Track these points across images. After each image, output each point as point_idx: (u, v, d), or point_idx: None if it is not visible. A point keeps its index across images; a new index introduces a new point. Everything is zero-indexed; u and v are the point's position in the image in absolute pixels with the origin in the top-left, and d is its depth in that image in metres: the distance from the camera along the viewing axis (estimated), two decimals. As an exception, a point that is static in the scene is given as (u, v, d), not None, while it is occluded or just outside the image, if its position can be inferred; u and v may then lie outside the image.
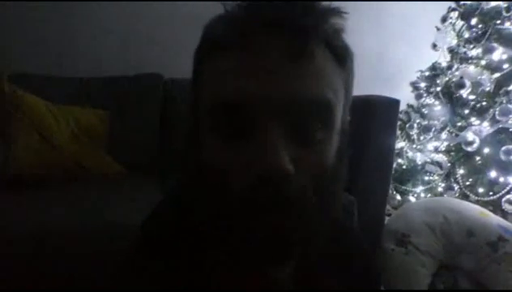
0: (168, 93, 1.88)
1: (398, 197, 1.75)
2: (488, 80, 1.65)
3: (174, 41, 2.12)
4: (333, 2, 0.42)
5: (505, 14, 1.69)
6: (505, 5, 1.68)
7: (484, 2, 1.78)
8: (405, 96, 2.07)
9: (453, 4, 1.98)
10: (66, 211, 1.14)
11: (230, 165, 0.38)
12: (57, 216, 1.10)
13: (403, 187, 1.75)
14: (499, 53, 1.66)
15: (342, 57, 0.42)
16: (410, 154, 1.84)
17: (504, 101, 1.56)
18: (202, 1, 1.49)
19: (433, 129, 1.76)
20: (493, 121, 1.58)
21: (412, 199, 1.73)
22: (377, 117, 1.40)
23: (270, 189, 0.36)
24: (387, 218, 1.55)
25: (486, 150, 1.59)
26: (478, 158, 1.63)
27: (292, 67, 0.38)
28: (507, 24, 1.68)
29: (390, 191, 1.75)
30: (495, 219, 1.38)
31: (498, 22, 1.71)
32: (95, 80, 1.75)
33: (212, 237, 0.41)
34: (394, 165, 1.83)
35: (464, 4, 1.92)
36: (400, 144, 1.90)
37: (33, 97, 1.44)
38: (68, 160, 1.39)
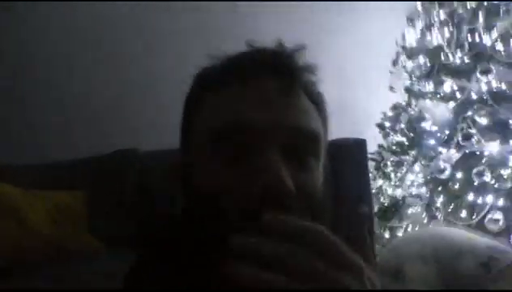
0: (145, 167, 1.89)
1: (387, 235, 1.75)
2: (446, 110, 1.75)
3: (147, 113, 2.17)
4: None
5: (446, 50, 1.85)
6: (446, 43, 1.84)
7: (427, 42, 1.95)
8: (374, 138, 2.16)
9: (400, 48, 2.16)
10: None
11: (232, 187, 0.41)
12: None
13: (388, 224, 1.77)
14: (449, 85, 1.78)
15: (319, 103, 0.49)
16: (390, 191, 1.88)
17: (464, 127, 1.65)
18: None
19: (405, 163, 1.82)
20: (459, 147, 1.66)
21: (400, 234, 1.74)
22: (347, 158, 1.45)
23: (274, 205, 0.37)
24: (378, 257, 1.55)
25: (459, 175, 1.65)
26: (452, 184, 1.68)
27: (285, 101, 0.44)
28: (451, 58, 1.83)
29: (377, 231, 1.75)
30: (483, 240, 1.40)
31: (442, 58, 1.86)
32: (68, 162, 1.76)
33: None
34: (377, 205, 1.86)
35: (410, 47, 2.09)
36: (379, 183, 1.94)
37: (5, 186, 1.43)
38: (47, 244, 1.36)
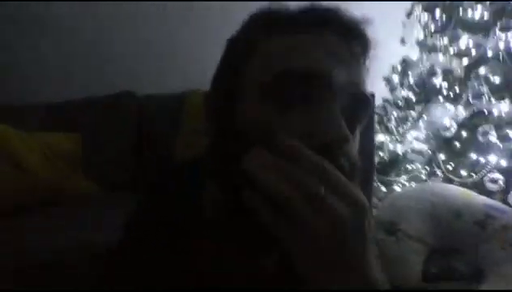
0: (144, 110, 1.85)
1: (384, 188, 1.75)
2: (458, 67, 1.69)
3: (143, 56, 2.11)
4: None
5: (466, 4, 1.75)
6: (466, -6, 1.74)
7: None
8: (380, 91, 2.11)
9: (416, -1, 2.05)
10: (43, 237, 1.09)
11: (284, 130, 0.40)
12: (35, 244, 1.04)
13: (386, 178, 1.76)
14: (465, 41, 1.71)
15: (367, 59, 0.48)
16: (391, 146, 1.86)
17: (475, 85, 1.60)
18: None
19: (410, 118, 1.79)
20: (467, 105, 1.62)
21: (397, 188, 1.74)
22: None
23: (331, 152, 0.39)
24: (374, 210, 1.55)
25: (464, 134, 1.62)
26: (456, 143, 1.66)
27: (352, 61, 0.44)
28: (469, 12, 1.74)
29: (375, 184, 1.75)
30: (480, 198, 1.40)
31: (461, 10, 1.76)
32: (65, 104, 1.72)
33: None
34: (377, 159, 1.85)
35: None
36: (380, 138, 1.92)
37: (2, 127, 1.39)
38: (43, 185, 1.34)
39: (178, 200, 0.51)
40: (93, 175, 1.54)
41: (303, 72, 0.41)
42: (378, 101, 2.03)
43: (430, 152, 1.69)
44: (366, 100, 0.45)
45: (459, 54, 1.72)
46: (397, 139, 1.86)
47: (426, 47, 1.92)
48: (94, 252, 0.81)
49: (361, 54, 0.46)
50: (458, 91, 1.67)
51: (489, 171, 1.49)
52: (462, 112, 1.64)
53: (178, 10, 2.12)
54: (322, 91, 0.41)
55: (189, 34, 2.12)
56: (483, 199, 1.39)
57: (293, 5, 0.49)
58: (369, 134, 1.44)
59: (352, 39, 0.45)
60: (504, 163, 1.49)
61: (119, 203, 1.43)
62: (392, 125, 1.92)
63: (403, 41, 2.09)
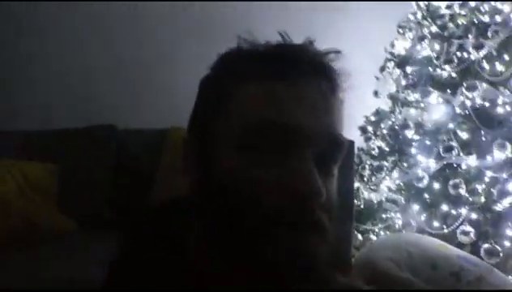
0: (123, 144, 1.82)
1: (360, 237, 1.77)
2: (428, 121, 1.79)
3: (125, 90, 2.09)
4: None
5: (435, 62, 1.88)
6: (435, 54, 1.88)
7: (416, 52, 1.98)
8: (354, 140, 2.18)
9: (388, 55, 2.18)
10: (14, 274, 1.02)
11: (261, 184, 0.40)
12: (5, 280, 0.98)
13: (362, 227, 1.78)
14: (435, 97, 1.82)
15: (342, 106, 0.49)
16: (365, 194, 1.90)
17: (445, 139, 1.69)
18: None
19: (385, 168, 1.85)
20: (438, 157, 1.70)
21: (373, 237, 1.76)
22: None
23: (305, 208, 0.40)
24: (352, 259, 1.56)
25: (436, 185, 1.68)
26: (426, 194, 1.72)
27: (325, 106, 0.44)
28: (438, 71, 1.86)
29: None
30: (454, 250, 1.44)
31: (430, 69, 1.89)
32: (43, 133, 1.66)
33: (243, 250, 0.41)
34: (352, 206, 1.88)
35: (398, 55, 2.12)
36: (355, 185, 1.96)
37: None
38: (15, 216, 1.26)
39: (165, 242, 0.50)
40: (69, 209, 1.47)
41: (278, 124, 0.41)
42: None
43: (404, 202, 1.74)
44: (340, 141, 0.45)
45: (429, 110, 1.82)
46: (371, 188, 1.90)
47: (398, 100, 2.03)
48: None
49: (334, 97, 0.47)
50: (429, 144, 1.75)
51: (461, 223, 1.54)
52: (433, 164, 1.71)
53: (163, 44, 2.15)
54: (296, 143, 0.41)
55: (174, 69, 2.14)
56: (457, 251, 1.43)
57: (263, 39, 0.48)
58: (349, 179, 1.47)
59: (325, 82, 0.45)
60: (474, 216, 1.55)
61: (96, 240, 1.37)
62: (366, 173, 1.97)
63: (376, 94, 2.20)
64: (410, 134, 1.81)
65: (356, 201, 1.94)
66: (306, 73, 0.44)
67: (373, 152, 2.02)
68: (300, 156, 0.41)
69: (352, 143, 1.47)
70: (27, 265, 1.07)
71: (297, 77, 0.44)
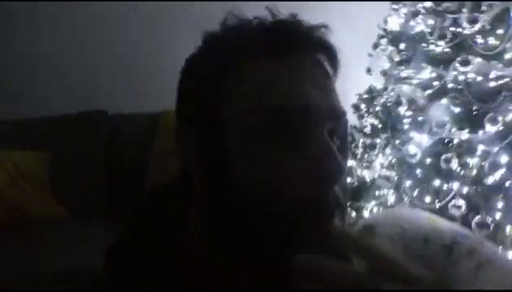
0: (115, 129, 1.80)
1: (353, 214, 1.78)
2: (421, 97, 1.78)
3: (117, 74, 2.06)
4: None
5: (428, 37, 1.86)
6: (429, 30, 1.86)
7: (410, 28, 1.96)
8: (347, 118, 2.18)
9: (381, 31, 2.16)
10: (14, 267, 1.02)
11: (285, 171, 0.39)
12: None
13: (356, 204, 1.79)
14: (428, 72, 1.81)
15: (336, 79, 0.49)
16: (359, 172, 1.90)
17: (438, 115, 1.69)
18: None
19: (378, 146, 1.85)
20: (431, 133, 1.70)
21: (367, 214, 1.77)
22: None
23: (331, 188, 0.40)
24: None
25: (427, 161, 1.69)
26: (419, 170, 1.73)
27: (329, 83, 0.45)
28: (432, 46, 1.85)
29: (345, 209, 1.78)
30: (446, 223, 1.45)
31: (424, 44, 1.87)
32: (32, 121, 1.64)
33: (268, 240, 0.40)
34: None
35: (392, 31, 2.10)
36: (348, 163, 1.96)
37: None
38: (6, 206, 1.25)
39: (163, 228, 0.48)
40: (61, 196, 1.46)
41: (294, 107, 0.40)
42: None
43: (397, 178, 1.74)
44: (345, 116, 0.46)
45: (422, 85, 1.81)
46: (365, 166, 1.90)
47: (391, 77, 2.02)
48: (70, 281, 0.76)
49: (335, 72, 0.47)
50: (421, 120, 1.75)
51: (453, 197, 1.55)
52: (425, 140, 1.71)
53: (154, 28, 2.11)
54: (316, 123, 0.41)
55: (165, 53, 2.11)
56: (449, 225, 1.44)
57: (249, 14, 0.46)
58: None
59: (326, 57, 0.46)
60: (465, 189, 1.56)
61: (92, 228, 1.36)
62: (359, 151, 1.97)
63: (369, 71, 2.19)
64: (403, 110, 1.80)
65: (349, 179, 1.95)
66: (311, 49, 0.44)
67: (366, 130, 2.01)
68: (320, 137, 0.40)
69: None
70: (26, 256, 1.06)
71: (302, 53, 0.43)
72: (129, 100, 1.99)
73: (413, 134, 1.75)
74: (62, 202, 1.51)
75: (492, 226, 1.43)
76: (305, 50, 0.43)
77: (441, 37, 1.82)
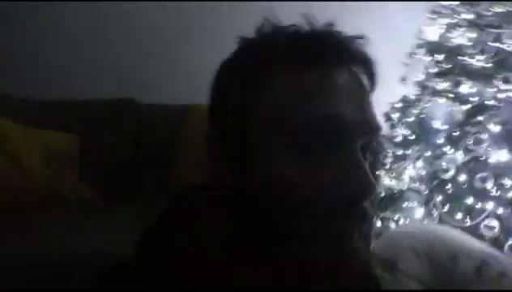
0: (143, 118, 1.82)
1: (379, 224, 1.76)
2: (458, 111, 1.74)
3: (149, 66, 2.08)
4: None
5: (468, 51, 1.82)
6: (470, 43, 1.81)
7: (448, 39, 1.92)
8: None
9: (419, 41, 2.12)
10: (35, 239, 1.03)
11: (313, 183, 0.39)
12: (26, 245, 0.99)
13: (382, 214, 1.77)
14: (467, 87, 1.76)
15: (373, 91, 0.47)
16: (387, 182, 1.87)
17: (475, 131, 1.64)
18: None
19: (409, 157, 1.82)
20: (466, 150, 1.66)
21: (393, 225, 1.75)
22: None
23: (361, 207, 0.39)
24: (372, 245, 1.55)
25: (462, 178, 1.65)
26: (451, 186, 1.69)
27: (367, 98, 0.43)
28: (472, 60, 1.80)
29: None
30: (477, 244, 1.42)
31: (464, 58, 1.83)
32: (66, 103, 1.67)
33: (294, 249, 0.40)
34: (372, 193, 1.86)
35: (430, 42, 2.05)
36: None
37: (2, 119, 1.33)
38: (39, 184, 1.27)
39: (201, 221, 0.49)
40: (89, 179, 1.48)
41: (330, 120, 0.39)
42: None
43: (427, 192, 1.71)
44: (380, 131, 0.44)
45: (460, 100, 1.77)
46: (393, 176, 1.87)
47: (426, 88, 1.98)
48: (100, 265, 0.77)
49: (371, 84, 0.46)
50: (457, 135, 1.71)
51: (486, 217, 1.51)
52: (460, 156, 1.67)
53: (187, 20, 2.11)
54: (348, 137, 0.40)
55: (197, 45, 2.11)
56: (480, 245, 1.41)
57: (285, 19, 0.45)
58: (376, 167, 1.44)
59: (361, 69, 0.44)
60: (500, 211, 1.52)
61: (117, 212, 1.38)
62: (389, 161, 1.94)
63: (403, 80, 2.15)
64: (437, 124, 1.77)
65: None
66: (346, 61, 0.42)
67: (396, 140, 1.98)
68: (351, 151, 0.39)
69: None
70: (53, 236, 1.08)
71: (337, 65, 0.42)
72: (158, 91, 2.00)
73: (447, 149, 1.71)
74: (89, 185, 1.52)
75: (526, 251, 1.39)
76: (339, 62, 0.42)
77: (483, 52, 1.77)
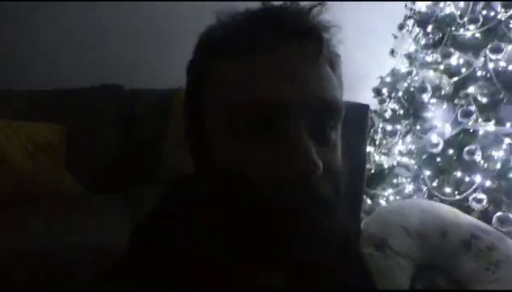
0: (129, 104, 1.78)
1: (369, 201, 1.76)
2: (447, 84, 1.71)
3: (131, 51, 2.03)
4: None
5: (459, 20, 1.77)
6: (459, 12, 1.76)
7: (439, 10, 1.87)
8: (367, 102, 2.12)
9: (408, 12, 2.06)
10: (21, 233, 1.02)
11: (257, 164, 0.38)
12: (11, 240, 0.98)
13: (372, 191, 1.77)
14: (456, 58, 1.73)
15: (335, 64, 0.45)
16: (376, 158, 1.86)
17: (464, 104, 1.62)
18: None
19: (399, 133, 1.80)
20: (455, 123, 1.64)
21: (383, 202, 1.75)
22: (348, 122, 1.40)
23: (306, 186, 0.37)
24: (362, 223, 1.55)
25: (450, 151, 1.64)
26: (440, 160, 1.68)
27: (310, 71, 0.40)
28: (461, 30, 1.76)
29: (361, 196, 1.75)
30: (466, 218, 1.42)
31: (453, 28, 1.79)
32: (48, 93, 1.62)
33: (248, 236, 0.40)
34: (362, 170, 1.85)
35: (419, 12, 2.00)
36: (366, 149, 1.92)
37: None
38: (23, 178, 1.25)
39: (193, 213, 0.48)
40: (75, 170, 1.46)
41: (263, 102, 0.38)
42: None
43: (416, 167, 1.70)
44: (335, 107, 0.41)
45: (449, 72, 1.74)
46: (382, 152, 1.86)
47: (416, 61, 1.94)
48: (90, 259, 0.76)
49: (323, 58, 0.42)
50: (446, 108, 1.69)
51: (474, 190, 1.51)
52: (449, 129, 1.66)
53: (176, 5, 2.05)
54: (286, 117, 0.38)
55: (182, 30, 2.05)
56: (469, 219, 1.42)
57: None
58: (362, 145, 1.43)
59: (310, 44, 0.41)
60: (488, 183, 1.52)
61: (102, 202, 1.37)
62: (378, 137, 1.93)
63: (392, 53, 2.11)
64: (427, 97, 1.74)
65: (367, 165, 1.91)
66: (287, 38, 0.40)
67: (386, 115, 1.96)
68: (292, 131, 0.38)
69: (366, 107, 1.42)
70: (39, 230, 1.07)
71: (277, 44, 0.40)
72: (145, 76, 1.96)
73: (436, 122, 1.69)
74: (76, 176, 1.50)
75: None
76: (281, 41, 0.40)
77: (472, 21, 1.72)
